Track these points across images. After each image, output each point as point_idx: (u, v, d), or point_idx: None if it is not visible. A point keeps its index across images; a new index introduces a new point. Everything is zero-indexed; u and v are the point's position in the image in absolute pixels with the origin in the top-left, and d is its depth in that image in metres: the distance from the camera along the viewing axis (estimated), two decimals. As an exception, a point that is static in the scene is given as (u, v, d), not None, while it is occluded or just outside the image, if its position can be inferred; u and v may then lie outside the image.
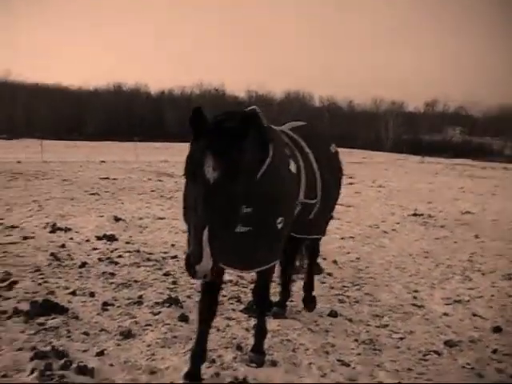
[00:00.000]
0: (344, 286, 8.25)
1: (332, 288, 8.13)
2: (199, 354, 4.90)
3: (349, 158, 57.37)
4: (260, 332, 5.49)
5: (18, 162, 31.61)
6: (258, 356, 5.35)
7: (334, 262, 9.72)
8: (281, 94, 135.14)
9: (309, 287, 7.24)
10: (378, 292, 8.01)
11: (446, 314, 7.23)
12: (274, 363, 5.35)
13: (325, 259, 9.83)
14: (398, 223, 14.86)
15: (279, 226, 4.87)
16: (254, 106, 5.07)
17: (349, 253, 10.71)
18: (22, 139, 76.66)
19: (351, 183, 27.08)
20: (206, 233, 3.58)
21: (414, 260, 10.37)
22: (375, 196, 21.45)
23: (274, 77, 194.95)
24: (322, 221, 6.64)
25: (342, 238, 12.19)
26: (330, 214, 7.03)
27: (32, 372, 4.71)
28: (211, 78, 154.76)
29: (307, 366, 5.33)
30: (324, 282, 8.38)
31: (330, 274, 8.86)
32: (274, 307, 6.69)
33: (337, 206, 16.70)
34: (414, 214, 16.43)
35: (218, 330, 6.10)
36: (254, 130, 4.48)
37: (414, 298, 7.86)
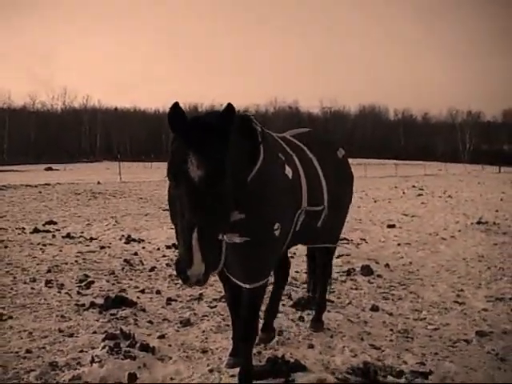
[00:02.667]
0: (391, 286, 8.79)
1: (379, 287, 8.69)
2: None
3: (423, 170, 57.12)
4: (244, 374, 4.88)
5: (98, 183, 33.63)
6: None
7: (386, 265, 10.24)
8: (355, 109, 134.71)
9: (319, 306, 6.85)
10: (422, 291, 8.50)
11: (484, 310, 7.58)
12: (311, 346, 6.02)
13: (377, 263, 10.41)
14: (460, 231, 15.13)
15: (276, 232, 4.65)
16: (247, 112, 4.99)
17: (402, 257, 11.20)
18: (102, 161, 79.87)
19: (420, 195, 27.40)
20: (194, 235, 3.46)
21: (467, 263, 10.68)
22: (442, 206, 21.70)
23: (348, 92, 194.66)
24: (332, 229, 6.20)
25: (399, 245, 12.69)
26: (341, 222, 6.68)
27: (103, 348, 5.63)
28: (285, 96, 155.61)
29: (341, 348, 5.97)
30: (372, 283, 8.95)
31: (379, 276, 9.41)
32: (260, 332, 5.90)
33: (399, 216, 17.30)
34: (478, 222, 16.52)
35: (267, 320, 6.83)
36: (244, 133, 4.48)
37: (458, 296, 8.25)
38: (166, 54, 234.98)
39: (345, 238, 13.28)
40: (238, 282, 4.78)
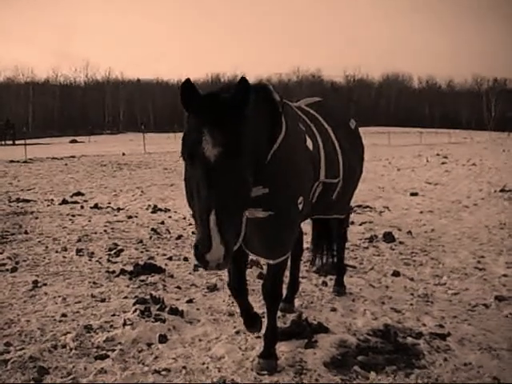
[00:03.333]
0: (413, 253, 8.94)
1: (401, 254, 8.85)
2: (249, 321, 5.18)
3: (448, 138, 56.63)
4: (270, 334, 4.93)
5: (123, 154, 34.01)
6: (268, 361, 4.79)
7: (409, 232, 10.37)
8: (379, 77, 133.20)
9: (340, 271, 6.97)
10: (443, 257, 8.63)
11: (505, 276, 7.67)
12: (333, 309, 6.25)
13: (400, 230, 10.57)
14: (483, 199, 15.11)
15: (300, 206, 4.57)
16: (264, 82, 4.80)
17: (424, 225, 11.32)
18: (126, 133, 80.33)
19: (443, 163, 27.28)
20: (212, 217, 3.29)
21: (489, 231, 10.74)
22: (465, 174, 21.64)
23: (372, 59, 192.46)
24: (344, 200, 6.15)
25: (421, 212, 12.80)
26: (352, 193, 6.61)
27: (134, 311, 5.94)
28: (308, 64, 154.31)
29: (362, 311, 6.18)
30: (394, 249, 9.11)
31: (401, 243, 9.56)
32: (281, 302, 5.62)
33: (423, 184, 17.36)
34: (502, 190, 16.43)
35: (290, 285, 7.05)
36: (264, 104, 4.29)
37: (478, 262, 8.36)
38: (188, 25, 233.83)
39: (368, 206, 13.46)
40: (260, 258, 4.86)
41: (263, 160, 4.20)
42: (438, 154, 34.00)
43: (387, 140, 48.72)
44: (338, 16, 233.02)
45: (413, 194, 15.90)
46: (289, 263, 5.84)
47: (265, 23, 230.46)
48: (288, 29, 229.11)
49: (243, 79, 3.63)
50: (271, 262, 4.67)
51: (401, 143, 49.01)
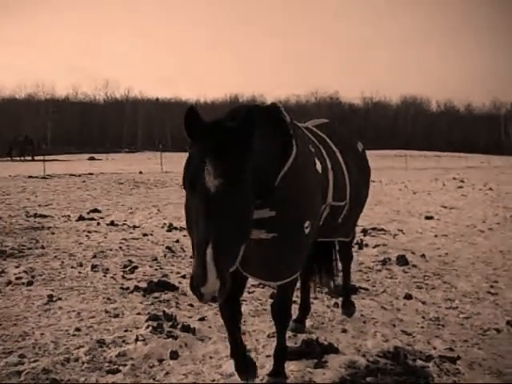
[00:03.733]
0: (425, 276, 8.94)
1: (413, 277, 8.85)
2: (242, 364, 4.84)
3: (465, 162, 56.46)
4: (280, 353, 4.91)
5: (140, 173, 34.32)
6: (277, 380, 4.82)
7: (422, 255, 10.36)
8: (397, 100, 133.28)
9: (345, 292, 6.99)
10: (456, 281, 8.62)
11: (518, 301, 7.73)
12: (344, 330, 6.28)
13: (413, 253, 10.55)
14: (498, 223, 15.04)
15: (306, 230, 4.43)
16: (275, 102, 4.60)
17: (438, 248, 11.31)
18: (144, 152, 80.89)
19: (460, 187, 27.21)
20: (209, 250, 3.19)
21: (503, 256, 10.67)
22: (481, 198, 21.57)
23: (390, 82, 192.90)
24: (350, 223, 6.13)
25: (435, 236, 12.79)
26: (358, 216, 6.54)
27: (147, 327, 6.03)
28: (326, 86, 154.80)
29: (373, 333, 6.21)
30: (407, 272, 9.12)
31: (414, 266, 9.55)
32: (292, 322, 6.06)
33: (438, 208, 17.34)
34: (518, 216, 16.47)
35: (302, 306, 7.09)
36: (273, 125, 4.25)
37: (491, 286, 8.32)
38: (207, 46, 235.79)
39: (382, 229, 13.48)
40: (260, 280, 4.74)
41: (272, 183, 4.11)
42: (454, 178, 33.90)
43: (404, 163, 48.65)
44: (355, 38, 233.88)
45: (428, 218, 15.89)
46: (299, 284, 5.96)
47: (283, 45, 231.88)
48: (306, 50, 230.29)
49: (249, 110, 3.58)
50: (272, 283, 4.64)
51: (418, 166, 48.92)
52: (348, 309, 6.82)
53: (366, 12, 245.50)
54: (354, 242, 11.20)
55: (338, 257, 6.99)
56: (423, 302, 7.49)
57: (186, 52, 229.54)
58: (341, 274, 7.16)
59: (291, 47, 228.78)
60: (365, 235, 12.61)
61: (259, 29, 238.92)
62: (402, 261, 9.69)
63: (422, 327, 6.50)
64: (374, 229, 13.47)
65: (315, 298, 7.31)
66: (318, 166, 4.80)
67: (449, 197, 22.39)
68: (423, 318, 6.85)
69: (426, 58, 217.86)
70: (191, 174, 3.42)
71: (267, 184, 4.06)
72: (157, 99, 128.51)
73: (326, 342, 5.78)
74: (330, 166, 5.12)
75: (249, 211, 3.61)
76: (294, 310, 5.98)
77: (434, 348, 5.82)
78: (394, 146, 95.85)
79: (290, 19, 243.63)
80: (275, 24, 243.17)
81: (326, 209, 5.07)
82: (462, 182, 31.09)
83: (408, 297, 7.64)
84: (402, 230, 13.51)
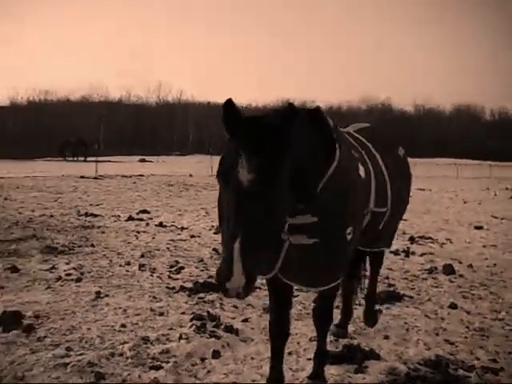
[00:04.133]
0: (472, 286, 8.82)
1: (459, 287, 8.74)
2: (275, 381, 4.81)
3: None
4: (320, 356, 5.01)
5: (190, 175, 34.69)
6: (317, 382, 4.94)
7: (470, 266, 10.22)
8: (450, 108, 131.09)
9: (371, 300, 6.82)
10: (504, 292, 8.47)
11: None
12: (386, 337, 6.27)
13: (460, 263, 10.42)
14: (552, 236, 14.75)
15: (349, 237, 4.37)
16: (319, 105, 4.44)
17: (487, 259, 11.12)
18: (194, 155, 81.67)
19: (513, 197, 26.63)
20: (237, 245, 3.11)
21: (556, 269, 10.51)
22: (536, 210, 21.09)
23: (443, 90, 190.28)
24: (390, 231, 6.11)
25: (484, 246, 12.57)
26: (398, 223, 6.43)
27: (191, 327, 6.17)
28: (378, 93, 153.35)
29: (415, 341, 6.18)
30: (453, 282, 9.01)
31: (461, 276, 9.43)
32: (334, 327, 6.17)
33: (488, 218, 17.02)
34: None
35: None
36: (318, 130, 4.15)
37: (541, 300, 8.23)
38: (258, 52, 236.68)
39: (430, 237, 13.35)
40: (301, 286, 4.71)
41: (314, 187, 4.03)
42: (507, 188, 33.22)
43: (456, 172, 47.89)
44: (409, 45, 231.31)
45: (477, 228, 15.63)
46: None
47: (335, 51, 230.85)
48: (358, 56, 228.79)
49: (290, 105, 3.54)
50: (313, 289, 4.64)
51: (469, 175, 48.08)
52: (370, 319, 6.68)
53: (420, 18, 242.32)
54: (401, 249, 11.22)
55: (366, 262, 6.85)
56: (468, 312, 7.40)
57: (238, 56, 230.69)
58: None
59: (343, 53, 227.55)
60: (412, 243, 12.50)
61: (312, 35, 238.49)
62: (449, 270, 9.58)
63: (466, 337, 6.43)
64: (421, 237, 13.34)
65: (358, 304, 7.30)
66: (361, 171, 4.71)
67: (500, 207, 21.95)
68: (467, 328, 6.78)
69: (481, 66, 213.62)
70: (225, 167, 3.37)
71: (309, 188, 4.01)
72: (208, 103, 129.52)
73: (367, 348, 5.80)
74: (372, 172, 5.03)
75: (282, 211, 3.50)
76: (336, 316, 6.01)
77: (477, 358, 5.76)
78: (446, 154, 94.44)
79: (340, 24, 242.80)
80: (327, 31, 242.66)
81: (367, 215, 4.97)
82: (516, 192, 30.47)
83: (453, 306, 7.55)
84: (450, 239, 13.34)
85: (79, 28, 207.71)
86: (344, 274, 4.80)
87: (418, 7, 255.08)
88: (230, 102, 3.39)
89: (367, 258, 6.76)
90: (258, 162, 3.24)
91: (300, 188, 3.80)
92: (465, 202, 23.76)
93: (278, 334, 4.79)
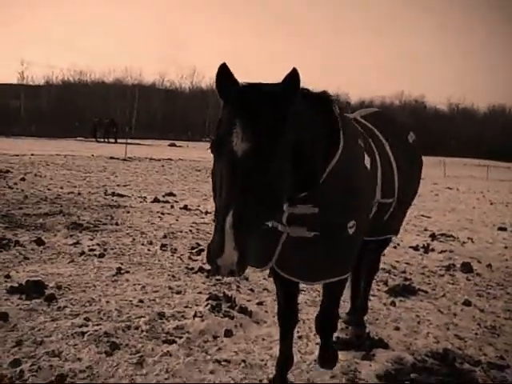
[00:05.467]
0: (488, 285, 8.84)
1: (476, 285, 8.77)
2: (284, 362, 4.76)
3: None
4: (325, 360, 4.87)
5: (219, 161, 34.71)
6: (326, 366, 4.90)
7: (488, 265, 10.21)
8: (484, 108, 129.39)
9: (362, 306, 6.30)
10: (520, 293, 8.53)
11: None
12: (396, 328, 6.37)
13: (479, 262, 10.42)
14: None
15: (350, 230, 4.07)
16: (326, 90, 4.12)
17: (507, 260, 11.08)
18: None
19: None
20: (229, 219, 2.87)
21: None
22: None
23: (478, 89, 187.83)
24: (397, 220, 5.72)
25: (506, 247, 12.50)
26: (405, 213, 6.03)
27: (206, 306, 6.36)
28: (412, 89, 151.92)
29: (425, 334, 6.27)
30: (470, 280, 9.04)
31: (479, 274, 9.45)
32: (345, 315, 6.17)
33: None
34: None
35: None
36: (321, 113, 3.87)
37: (557, 302, 8.23)
38: (294, 42, 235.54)
39: (451, 235, 13.33)
40: (299, 280, 4.36)
41: (317, 175, 3.77)
42: (536, 192, 32.80)
43: (485, 173, 47.39)
44: (445, 44, 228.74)
45: (501, 229, 15.54)
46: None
47: (369, 46, 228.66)
48: (393, 52, 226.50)
49: (294, 70, 3.17)
50: (311, 284, 4.45)
51: (499, 177, 47.52)
52: (356, 329, 6.09)
53: (454, 18, 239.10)
54: (421, 245, 11.24)
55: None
56: (481, 310, 7.45)
57: (271, 45, 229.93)
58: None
59: (377, 47, 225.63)
60: (433, 240, 12.51)
61: (348, 33, 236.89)
62: (467, 268, 9.61)
63: (476, 334, 6.49)
64: (442, 234, 13.33)
65: (373, 296, 7.41)
66: (367, 162, 4.40)
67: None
68: (479, 325, 6.84)
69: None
70: (219, 137, 3.14)
71: (312, 175, 3.74)
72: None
73: (376, 337, 5.91)
74: (378, 161, 4.73)
75: (280, 184, 3.19)
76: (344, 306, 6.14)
77: (485, 355, 5.83)
78: (477, 155, 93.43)
79: (377, 16, 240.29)
80: (363, 26, 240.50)
81: (373, 207, 4.72)
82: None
83: (467, 303, 7.60)
84: (471, 239, 13.30)
85: (115, 11, 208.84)
86: (347, 270, 4.41)
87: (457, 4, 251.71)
88: (224, 66, 3.19)
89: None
90: (253, 130, 3.04)
91: (302, 173, 3.56)
92: (491, 203, 23.56)
93: (287, 321, 4.72)
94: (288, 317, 4.70)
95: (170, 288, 7.08)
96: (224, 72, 3.19)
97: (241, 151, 3.00)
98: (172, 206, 14.43)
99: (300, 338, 5.80)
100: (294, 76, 3.15)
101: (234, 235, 2.84)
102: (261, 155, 3.01)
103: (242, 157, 2.99)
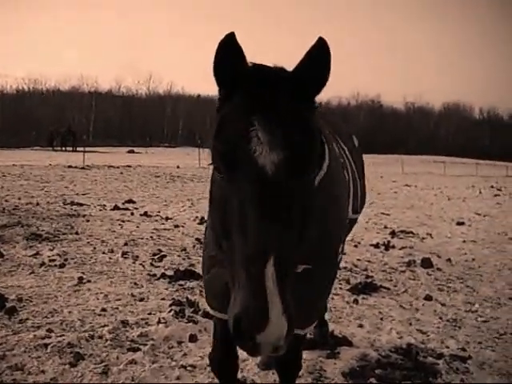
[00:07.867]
0: (448, 279, 9.00)
1: (436, 280, 8.92)
2: None
3: (506, 171, 55.53)
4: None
5: (178, 167, 34.77)
6: None
7: (448, 260, 10.41)
8: (439, 106, 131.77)
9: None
10: (479, 286, 8.66)
11: (541, 308, 7.73)
12: (360, 325, 6.44)
13: (439, 257, 10.64)
14: (533, 233, 14.96)
15: (339, 257, 3.37)
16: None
17: (465, 254, 11.31)
18: (184, 147, 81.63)
19: (496, 195, 27.04)
20: (270, 269, 1.93)
21: (533, 264, 10.70)
22: (518, 208, 21.36)
23: (433, 88, 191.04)
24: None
25: (464, 241, 12.77)
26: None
27: (169, 312, 6.31)
28: (367, 89, 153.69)
29: (388, 330, 6.35)
30: (430, 275, 9.19)
31: (439, 269, 9.62)
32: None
33: (471, 215, 17.20)
34: (553, 226, 16.27)
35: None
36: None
37: (515, 293, 8.41)
38: (259, 43, 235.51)
39: (411, 232, 13.54)
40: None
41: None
42: (492, 187, 33.49)
43: (443, 170, 48.23)
44: (401, 40, 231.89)
45: (459, 224, 15.83)
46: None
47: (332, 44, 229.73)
48: (350, 52, 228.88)
49: (322, 40, 2.27)
50: (299, 332, 3.16)
51: (456, 173, 48.40)
52: (320, 330, 5.68)
53: (412, 16, 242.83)
54: (381, 243, 11.39)
55: None
56: (443, 304, 7.58)
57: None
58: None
59: (335, 48, 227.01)
60: (393, 237, 12.68)
61: (310, 27, 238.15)
62: (427, 263, 9.77)
63: (438, 327, 6.60)
64: (402, 231, 13.54)
65: (336, 294, 7.47)
66: (345, 173, 3.65)
67: (484, 204, 22.21)
68: (440, 318, 6.95)
69: (473, 65, 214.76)
70: (230, 145, 2.14)
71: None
72: (198, 96, 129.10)
73: (340, 335, 5.96)
74: (350, 170, 3.97)
75: (316, 208, 2.36)
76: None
77: (447, 347, 5.93)
78: (434, 151, 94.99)
79: (332, 19, 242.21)
80: (324, 22, 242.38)
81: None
82: (500, 190, 30.77)
83: (428, 298, 7.73)
84: (430, 234, 13.54)
85: (69, 19, 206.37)
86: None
87: (414, 4, 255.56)
88: (231, 36, 2.18)
89: None
90: (286, 130, 2.11)
91: None
92: (449, 199, 24.00)
93: (226, 370, 3.71)
94: (227, 365, 3.71)
95: (132, 295, 7.01)
96: (231, 46, 2.20)
97: (271, 165, 2.07)
98: (132, 213, 14.29)
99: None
100: (323, 49, 2.27)
101: (279, 295, 1.92)
102: (301, 167, 2.15)
103: (276, 173, 2.06)
